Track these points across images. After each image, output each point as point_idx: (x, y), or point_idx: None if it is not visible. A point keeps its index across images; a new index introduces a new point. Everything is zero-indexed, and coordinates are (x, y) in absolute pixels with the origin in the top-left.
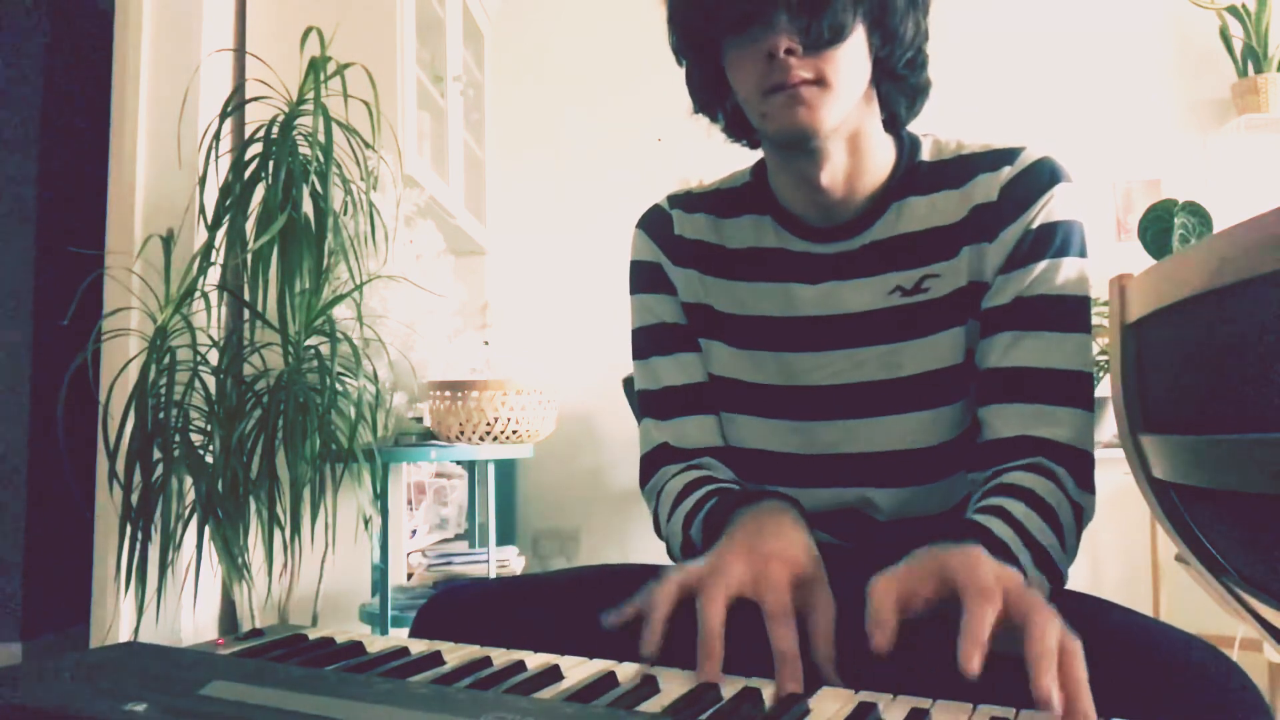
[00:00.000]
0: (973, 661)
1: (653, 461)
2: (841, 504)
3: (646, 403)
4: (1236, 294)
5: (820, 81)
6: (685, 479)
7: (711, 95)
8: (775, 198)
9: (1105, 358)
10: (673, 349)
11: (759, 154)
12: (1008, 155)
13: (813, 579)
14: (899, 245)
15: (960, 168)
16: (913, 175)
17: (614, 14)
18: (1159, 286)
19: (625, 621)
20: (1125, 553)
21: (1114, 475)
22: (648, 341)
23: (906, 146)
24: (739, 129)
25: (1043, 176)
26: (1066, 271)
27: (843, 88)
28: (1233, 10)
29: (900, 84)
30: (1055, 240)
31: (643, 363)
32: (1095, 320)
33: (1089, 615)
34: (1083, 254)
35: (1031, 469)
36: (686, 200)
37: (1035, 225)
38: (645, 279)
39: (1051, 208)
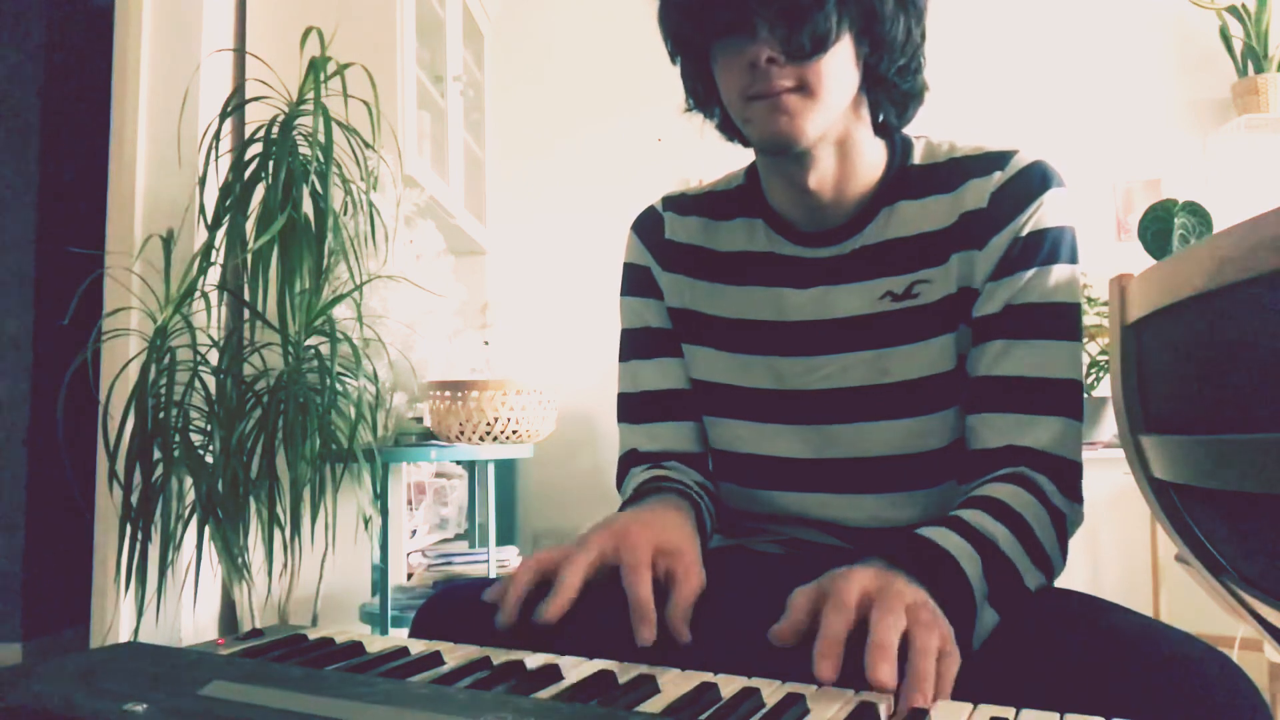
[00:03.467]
0: (820, 668)
1: (624, 464)
2: (836, 509)
3: (624, 406)
4: (1236, 294)
5: (804, 89)
6: (639, 479)
7: (704, 93)
8: (767, 201)
9: (1105, 358)
10: (655, 353)
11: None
12: (999, 159)
13: (678, 549)
14: (889, 250)
15: (951, 171)
16: (904, 179)
17: (614, 14)
18: (1159, 286)
19: (503, 595)
20: (1125, 553)
21: (1114, 475)
22: (632, 345)
23: (898, 149)
24: (732, 127)
25: (1033, 182)
26: (1056, 279)
27: (827, 96)
28: (1233, 10)
29: (890, 91)
30: (1045, 247)
31: (625, 365)
32: (1095, 320)
33: (1089, 615)
34: (1073, 260)
35: (1009, 479)
36: (680, 202)
37: (1025, 233)
38: (634, 282)
39: (1042, 214)
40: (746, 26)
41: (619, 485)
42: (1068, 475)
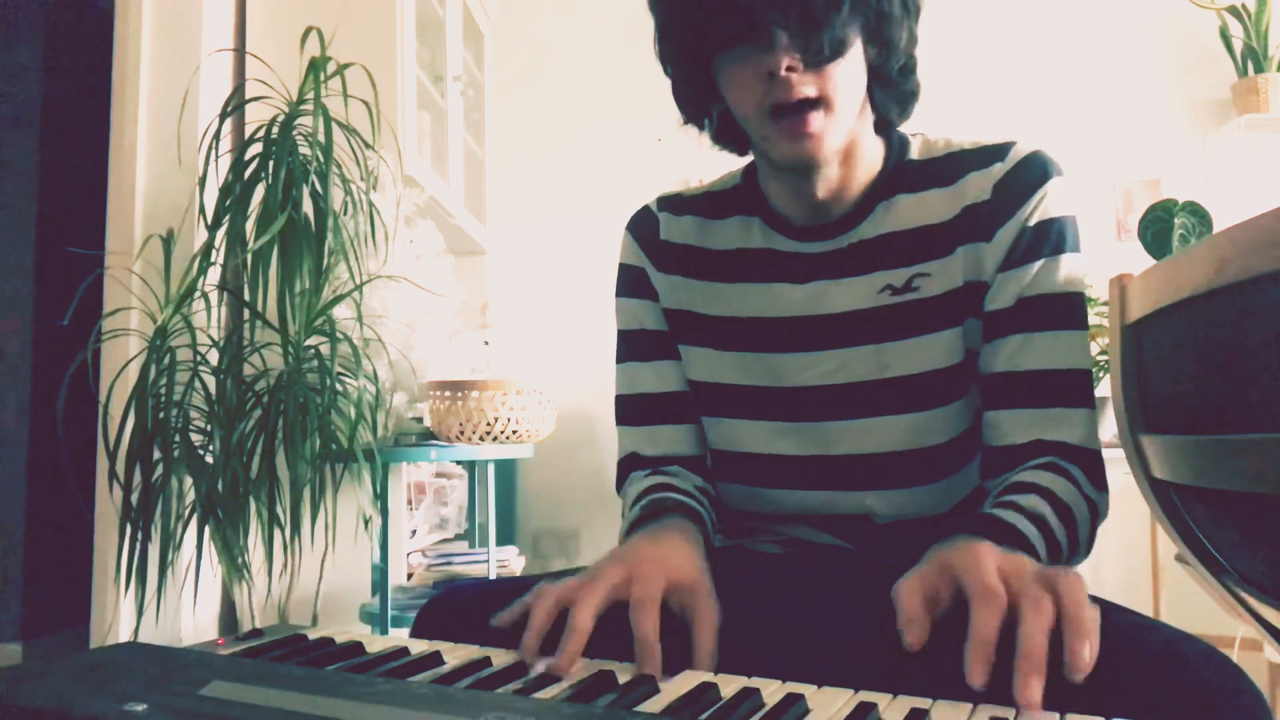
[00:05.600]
0: (975, 673)
1: (624, 468)
2: (838, 506)
3: (622, 408)
4: (1236, 294)
5: (823, 102)
6: (640, 487)
7: (699, 104)
8: (765, 199)
9: (1105, 358)
10: (651, 356)
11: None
12: (998, 152)
13: (692, 584)
14: (888, 244)
15: (950, 165)
16: (901, 173)
17: (614, 14)
18: (1159, 286)
19: (514, 622)
20: (1125, 553)
21: (1114, 475)
22: (628, 347)
23: (895, 145)
24: (727, 135)
25: (1035, 172)
26: (1065, 268)
27: (844, 106)
28: (1233, 10)
29: (893, 90)
30: (1052, 236)
31: (622, 367)
32: (1095, 320)
33: None
34: (1077, 249)
35: (1046, 468)
36: (675, 202)
37: (1032, 223)
38: (629, 283)
39: (1047, 204)
40: (763, 35)
41: (619, 488)
42: (1095, 466)
